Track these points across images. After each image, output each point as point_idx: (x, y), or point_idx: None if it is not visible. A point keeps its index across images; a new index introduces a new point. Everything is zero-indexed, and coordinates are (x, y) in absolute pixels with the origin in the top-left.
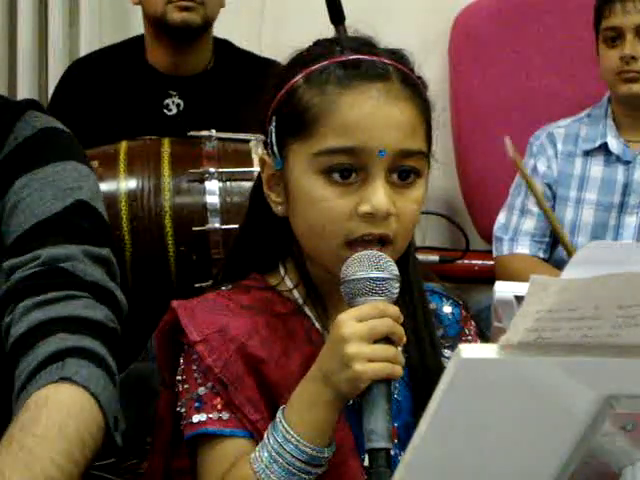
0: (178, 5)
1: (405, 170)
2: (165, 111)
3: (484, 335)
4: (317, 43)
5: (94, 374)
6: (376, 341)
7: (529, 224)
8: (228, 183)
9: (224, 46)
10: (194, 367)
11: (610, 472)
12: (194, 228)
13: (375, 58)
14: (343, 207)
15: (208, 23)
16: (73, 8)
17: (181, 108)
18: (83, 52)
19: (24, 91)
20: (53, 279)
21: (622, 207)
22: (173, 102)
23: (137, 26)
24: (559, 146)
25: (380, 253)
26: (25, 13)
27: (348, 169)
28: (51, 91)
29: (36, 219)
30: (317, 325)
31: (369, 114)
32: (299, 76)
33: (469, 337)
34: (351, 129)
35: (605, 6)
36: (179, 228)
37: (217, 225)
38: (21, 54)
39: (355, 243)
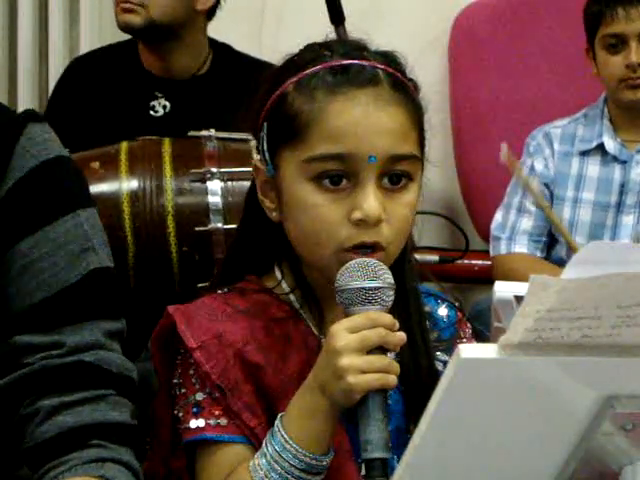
0: (120, 7)
1: (396, 174)
2: (151, 112)
3: (482, 336)
4: (307, 48)
5: None
6: (370, 351)
7: (527, 223)
8: (230, 183)
9: (223, 50)
10: (191, 372)
11: (610, 472)
12: (196, 228)
13: (365, 62)
14: (334, 213)
15: (155, 25)
16: (73, 8)
17: (167, 110)
18: (83, 52)
19: (24, 91)
20: (79, 376)
21: (619, 207)
22: (159, 104)
23: None
24: (556, 146)
25: (374, 261)
26: (25, 13)
27: (339, 175)
28: (51, 91)
29: (51, 290)
30: (313, 329)
31: (358, 120)
32: (289, 82)
33: (464, 340)
34: (340, 136)
35: (606, 12)
36: (181, 228)
37: (219, 225)
38: (21, 54)
39: (349, 251)
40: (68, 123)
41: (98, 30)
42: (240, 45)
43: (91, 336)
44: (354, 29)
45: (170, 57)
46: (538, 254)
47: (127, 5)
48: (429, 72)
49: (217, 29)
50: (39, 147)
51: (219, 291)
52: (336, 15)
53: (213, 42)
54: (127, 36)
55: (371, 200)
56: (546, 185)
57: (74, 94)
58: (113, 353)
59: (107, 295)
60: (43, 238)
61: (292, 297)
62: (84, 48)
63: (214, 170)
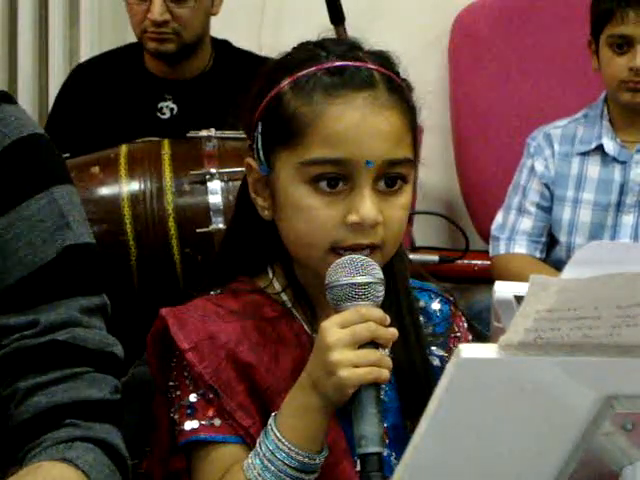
0: (153, 37)
1: (391, 177)
2: (159, 115)
3: (481, 334)
4: (301, 47)
5: (99, 461)
6: (361, 346)
7: (526, 224)
8: (230, 183)
9: (223, 47)
10: (185, 374)
11: (610, 472)
12: (198, 230)
13: (360, 64)
14: (330, 216)
15: (188, 46)
16: (73, 8)
17: (175, 112)
18: (83, 53)
19: (24, 91)
20: (53, 356)
21: (619, 207)
22: (167, 106)
23: None
24: (556, 146)
25: (363, 257)
26: (25, 13)
27: (335, 178)
28: (51, 92)
29: (27, 270)
30: (306, 328)
31: (355, 125)
32: (285, 82)
33: (458, 334)
34: (338, 140)
35: (617, 12)
36: (183, 230)
37: (221, 226)
38: (21, 54)
39: (343, 250)
40: (73, 130)
41: (98, 30)
42: (240, 44)
43: (66, 314)
44: (354, 29)
45: (182, 63)
46: (537, 255)
47: (162, 36)
48: (429, 72)
49: (217, 28)
50: (12, 126)
51: (212, 292)
52: (336, 15)
53: (213, 39)
54: (127, 39)
55: (367, 204)
56: (546, 186)
57: (78, 101)
58: (91, 329)
59: (84, 271)
60: (17, 217)
61: (284, 296)
62: (84, 48)
63: (213, 171)
